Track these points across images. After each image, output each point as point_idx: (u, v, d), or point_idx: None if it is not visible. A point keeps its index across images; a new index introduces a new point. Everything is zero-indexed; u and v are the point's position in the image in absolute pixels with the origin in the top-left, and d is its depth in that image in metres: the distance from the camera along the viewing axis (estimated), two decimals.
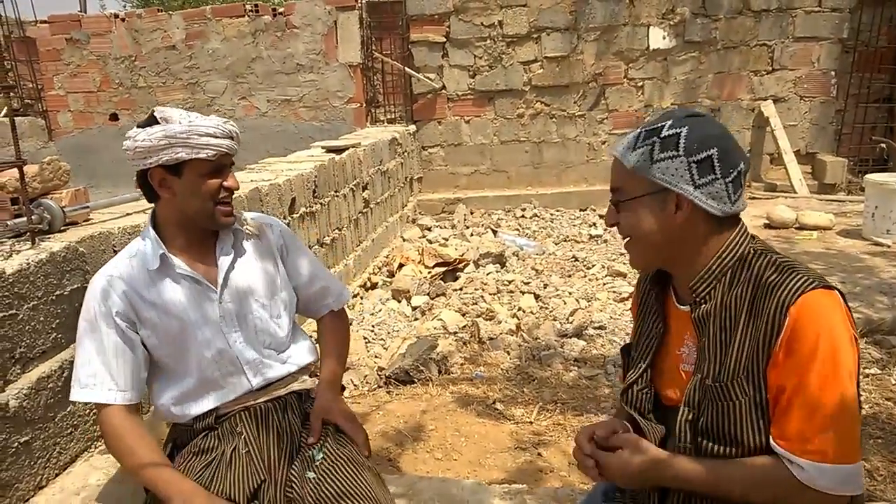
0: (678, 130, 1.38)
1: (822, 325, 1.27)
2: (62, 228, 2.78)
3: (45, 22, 9.48)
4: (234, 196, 2.06)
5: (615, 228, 1.50)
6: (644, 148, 1.40)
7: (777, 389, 1.31)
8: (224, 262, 2.03)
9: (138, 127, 1.93)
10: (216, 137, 1.92)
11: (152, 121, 1.92)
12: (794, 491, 1.30)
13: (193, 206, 1.96)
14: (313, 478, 1.85)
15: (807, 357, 1.27)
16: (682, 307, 1.50)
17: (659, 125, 1.41)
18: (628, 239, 1.49)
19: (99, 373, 1.91)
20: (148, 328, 1.95)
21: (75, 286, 2.62)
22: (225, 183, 1.98)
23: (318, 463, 1.89)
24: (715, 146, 1.36)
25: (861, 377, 3.71)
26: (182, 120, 1.91)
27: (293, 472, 1.89)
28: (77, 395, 1.92)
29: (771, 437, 1.33)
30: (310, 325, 3.57)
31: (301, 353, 2.16)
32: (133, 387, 1.94)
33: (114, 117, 9.63)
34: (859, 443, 1.32)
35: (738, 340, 1.36)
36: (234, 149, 1.97)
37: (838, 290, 1.33)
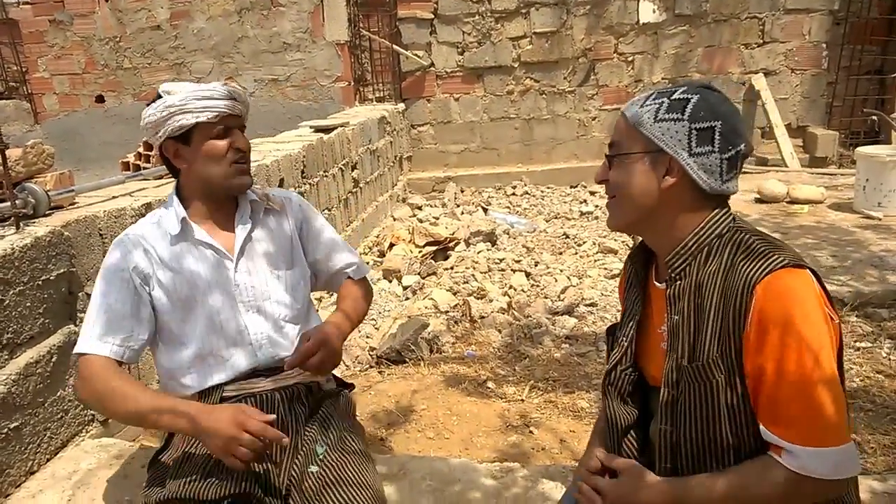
0: (689, 96, 1.37)
1: (790, 305, 1.25)
2: (47, 213, 2.76)
3: (27, 3, 9.35)
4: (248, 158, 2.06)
5: (601, 205, 1.48)
6: (651, 106, 1.39)
7: (756, 375, 1.29)
8: (241, 231, 2.05)
9: (147, 105, 1.97)
10: (214, 99, 1.93)
11: (157, 97, 1.96)
12: (791, 487, 1.28)
13: (207, 172, 1.98)
14: (316, 472, 1.83)
15: (779, 339, 1.25)
16: (660, 285, 1.49)
17: (673, 89, 1.40)
18: (613, 198, 1.47)
19: (99, 323, 1.89)
20: (161, 289, 1.96)
21: (61, 271, 2.60)
22: (235, 144, 1.99)
23: (320, 457, 1.87)
24: (720, 120, 1.35)
25: (852, 350, 3.76)
26: (182, 90, 1.93)
27: (295, 465, 1.85)
28: (76, 348, 1.90)
29: (761, 427, 1.31)
30: None
31: None
32: (127, 345, 1.90)
33: (100, 99, 9.53)
34: (846, 421, 1.29)
35: (711, 319, 1.34)
36: (237, 109, 1.98)
37: (811, 269, 1.31)
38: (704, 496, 1.34)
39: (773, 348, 1.26)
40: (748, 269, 1.29)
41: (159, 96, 1.95)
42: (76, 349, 1.90)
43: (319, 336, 1.95)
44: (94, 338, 1.88)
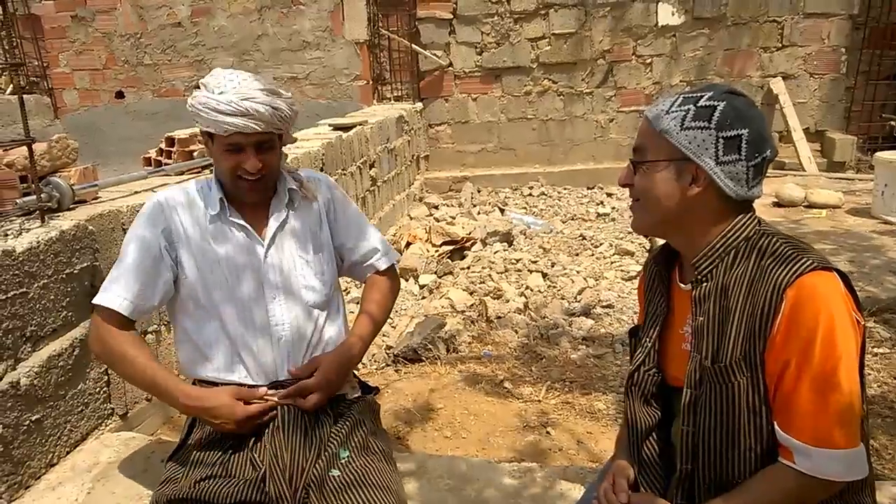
0: (715, 103, 1.36)
1: (820, 308, 1.25)
2: (71, 207, 2.79)
3: None
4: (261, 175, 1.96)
5: (618, 207, 1.49)
6: (677, 113, 1.38)
7: (777, 376, 1.30)
8: (276, 217, 2.04)
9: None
10: (226, 115, 1.82)
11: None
12: (800, 490, 1.30)
13: (220, 174, 2.00)
14: (338, 476, 1.82)
15: (805, 342, 1.26)
16: (684, 287, 1.50)
17: (698, 94, 1.39)
18: (637, 201, 1.48)
19: (116, 276, 1.95)
20: (189, 255, 1.97)
21: (85, 264, 2.62)
22: (243, 164, 1.90)
23: (343, 461, 1.86)
24: (747, 127, 1.34)
25: (870, 356, 3.74)
26: (212, 86, 1.88)
27: (316, 469, 1.84)
28: (95, 298, 1.97)
29: (775, 426, 1.32)
30: None
31: (336, 326, 2.13)
32: (137, 302, 1.94)
33: (119, 95, 9.59)
34: (860, 426, 1.30)
35: (736, 321, 1.35)
36: (250, 128, 1.84)
37: (839, 273, 1.31)
38: None
39: (798, 349, 1.27)
40: (778, 273, 1.30)
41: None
42: (94, 299, 1.96)
43: (318, 379, 1.96)
44: (110, 291, 1.93)
